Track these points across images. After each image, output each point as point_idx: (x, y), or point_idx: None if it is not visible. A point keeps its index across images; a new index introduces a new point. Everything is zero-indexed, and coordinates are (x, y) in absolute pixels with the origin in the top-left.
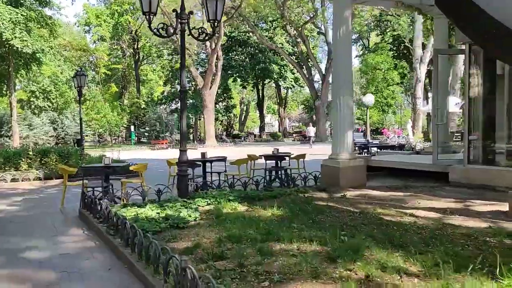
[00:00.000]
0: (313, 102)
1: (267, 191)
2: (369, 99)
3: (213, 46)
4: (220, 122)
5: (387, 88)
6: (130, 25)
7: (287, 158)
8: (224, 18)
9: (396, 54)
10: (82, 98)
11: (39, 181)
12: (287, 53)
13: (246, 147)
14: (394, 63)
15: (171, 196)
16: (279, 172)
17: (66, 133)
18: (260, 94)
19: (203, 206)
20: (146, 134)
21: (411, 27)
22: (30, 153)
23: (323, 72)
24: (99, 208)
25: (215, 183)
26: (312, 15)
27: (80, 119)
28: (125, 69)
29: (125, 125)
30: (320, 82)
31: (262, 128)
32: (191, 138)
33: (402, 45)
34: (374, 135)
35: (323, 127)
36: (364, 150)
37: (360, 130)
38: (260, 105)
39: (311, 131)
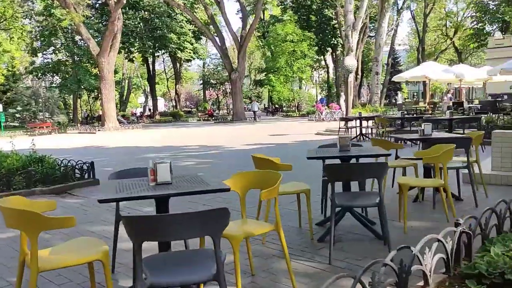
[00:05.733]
0: (228, 76)
1: None
2: (352, 62)
3: None
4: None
5: (297, 61)
6: None
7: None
8: None
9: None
10: None
11: None
12: (186, 20)
13: (167, 129)
14: (302, 34)
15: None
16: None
17: None
18: (151, 68)
19: None
20: (17, 115)
21: None
22: None
23: (239, 40)
24: None
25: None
26: None
27: None
28: None
29: None
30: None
31: (155, 108)
32: (71, 119)
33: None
34: (284, 112)
35: (240, 104)
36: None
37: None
38: (151, 81)
39: (255, 106)
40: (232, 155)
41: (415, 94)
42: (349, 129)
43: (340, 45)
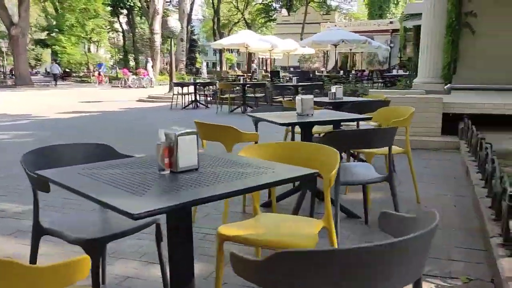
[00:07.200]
0: (7, 31)
1: None
2: (177, 24)
3: None
4: None
5: (90, 21)
6: None
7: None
8: None
9: None
10: None
11: None
12: None
13: None
14: None
15: None
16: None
17: None
18: None
19: None
20: None
21: None
22: None
23: None
24: None
25: None
26: None
27: None
28: None
29: None
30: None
31: None
32: None
33: None
34: (79, 78)
35: (24, 65)
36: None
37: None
38: None
39: (56, 68)
40: (60, 124)
41: (208, 64)
42: (182, 96)
43: (138, 8)
